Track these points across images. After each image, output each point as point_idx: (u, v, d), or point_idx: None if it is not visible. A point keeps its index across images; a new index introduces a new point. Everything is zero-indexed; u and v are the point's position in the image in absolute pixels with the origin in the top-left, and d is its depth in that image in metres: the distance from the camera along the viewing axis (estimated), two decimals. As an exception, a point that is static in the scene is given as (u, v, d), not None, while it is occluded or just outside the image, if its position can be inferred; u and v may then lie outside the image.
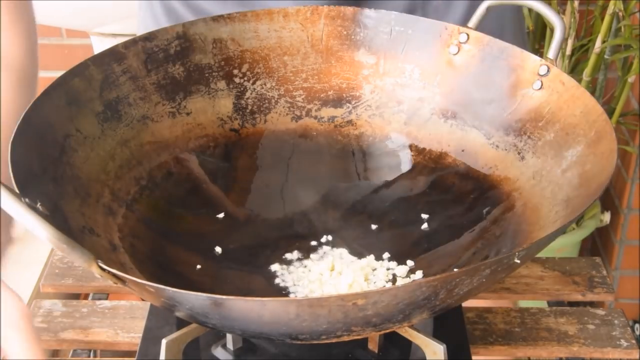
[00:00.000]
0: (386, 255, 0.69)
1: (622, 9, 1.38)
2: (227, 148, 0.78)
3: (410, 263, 0.68)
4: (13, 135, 0.61)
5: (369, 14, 0.78)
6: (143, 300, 0.78)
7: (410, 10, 0.85)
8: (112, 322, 0.77)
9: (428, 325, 0.70)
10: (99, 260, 0.52)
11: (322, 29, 0.79)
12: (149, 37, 0.74)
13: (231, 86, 0.78)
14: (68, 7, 1.39)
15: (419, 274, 0.67)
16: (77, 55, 1.72)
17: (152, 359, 0.68)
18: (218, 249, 0.70)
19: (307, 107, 0.80)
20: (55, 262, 0.84)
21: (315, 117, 0.80)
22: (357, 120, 0.80)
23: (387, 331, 0.61)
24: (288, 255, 0.69)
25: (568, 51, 1.44)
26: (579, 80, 1.43)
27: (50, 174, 0.63)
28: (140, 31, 0.93)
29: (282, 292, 0.66)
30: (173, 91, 0.76)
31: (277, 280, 0.67)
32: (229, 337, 0.68)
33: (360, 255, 0.69)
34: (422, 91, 0.78)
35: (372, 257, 0.69)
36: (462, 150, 0.75)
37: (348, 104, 0.80)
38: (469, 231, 0.70)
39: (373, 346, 0.68)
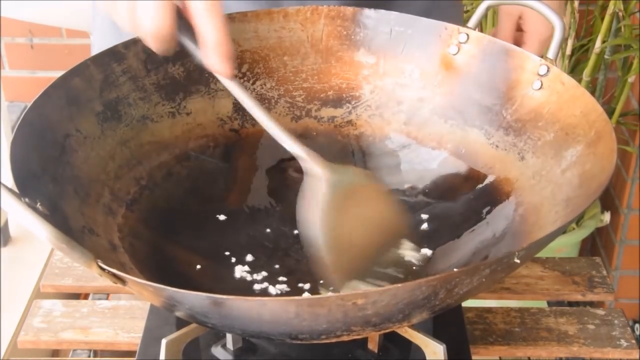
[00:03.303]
0: (386, 255, 0.69)
1: (622, 9, 1.38)
2: (227, 148, 0.78)
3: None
4: (13, 135, 0.61)
5: (369, 14, 0.78)
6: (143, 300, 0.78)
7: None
8: (112, 322, 0.77)
9: (428, 325, 0.70)
10: (99, 260, 0.52)
11: (322, 29, 0.79)
12: (149, 37, 0.74)
13: (231, 86, 0.78)
14: (68, 7, 1.39)
15: (418, 274, 0.67)
16: (77, 55, 1.73)
17: (152, 359, 0.68)
18: (218, 249, 0.70)
19: (307, 107, 0.80)
20: (55, 262, 0.84)
21: (315, 117, 0.80)
22: (357, 121, 0.80)
23: (387, 331, 0.61)
24: (288, 255, 0.69)
25: (568, 51, 1.44)
26: (579, 80, 1.43)
27: (50, 173, 0.63)
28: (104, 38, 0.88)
29: (282, 292, 0.66)
30: (173, 91, 0.76)
31: (276, 281, 0.67)
32: (228, 337, 0.68)
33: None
34: (422, 91, 0.78)
35: (372, 257, 0.69)
36: (462, 151, 0.75)
37: (348, 104, 0.80)
38: (469, 231, 0.70)
39: (373, 346, 0.68)
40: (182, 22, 0.60)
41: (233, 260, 0.69)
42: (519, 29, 0.86)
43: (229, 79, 0.64)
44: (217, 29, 0.59)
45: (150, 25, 0.58)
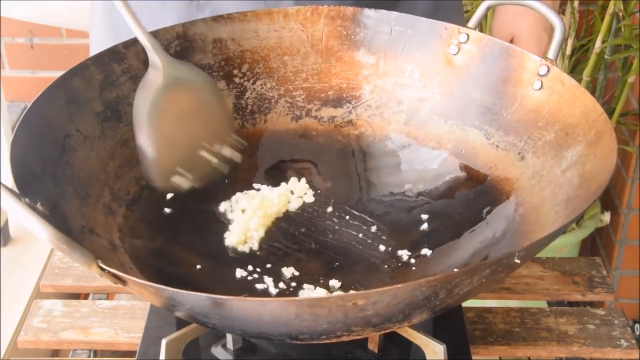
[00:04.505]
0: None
1: (622, 9, 1.38)
2: (227, 148, 0.78)
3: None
4: (13, 135, 0.61)
5: (369, 14, 0.78)
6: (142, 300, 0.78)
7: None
8: (112, 322, 0.77)
9: (428, 325, 0.70)
10: (99, 260, 0.52)
11: (322, 29, 0.79)
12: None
13: (231, 86, 0.78)
14: (68, 7, 1.39)
15: (419, 274, 0.67)
16: (77, 55, 1.72)
17: (152, 359, 0.68)
18: (218, 249, 0.70)
19: (307, 107, 0.80)
20: (55, 262, 0.84)
21: (315, 117, 0.80)
22: (357, 120, 0.80)
23: (387, 331, 0.61)
24: (288, 255, 0.69)
25: (568, 51, 1.44)
26: (579, 80, 1.43)
27: (50, 173, 0.63)
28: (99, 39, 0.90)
29: (282, 292, 0.66)
30: (173, 91, 0.75)
31: (277, 280, 0.67)
32: (228, 337, 0.68)
33: (360, 255, 0.69)
34: (422, 91, 0.78)
35: (372, 257, 0.69)
36: (462, 151, 0.75)
37: (348, 104, 0.80)
38: (469, 231, 0.70)
39: (373, 346, 0.68)
40: None
41: (233, 260, 0.69)
42: None
43: None
44: None
45: None
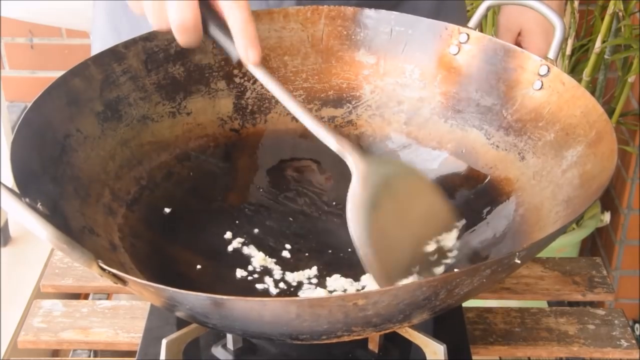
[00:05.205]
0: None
1: (622, 9, 1.38)
2: (227, 148, 0.78)
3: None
4: (13, 135, 0.61)
5: (369, 14, 0.78)
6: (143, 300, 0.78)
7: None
8: (112, 322, 0.77)
9: (428, 325, 0.70)
10: (99, 260, 0.52)
11: (322, 29, 0.79)
12: (149, 37, 0.74)
13: (231, 86, 0.78)
14: (68, 7, 1.39)
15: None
16: (77, 55, 1.73)
17: (152, 359, 0.68)
18: (218, 249, 0.70)
19: (307, 108, 0.80)
20: (55, 262, 0.84)
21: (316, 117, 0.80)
22: (358, 121, 0.80)
23: (388, 331, 0.61)
24: (288, 256, 0.69)
25: (568, 51, 1.44)
26: (579, 80, 1.43)
27: (50, 173, 0.63)
28: (98, 38, 0.90)
29: (282, 292, 0.66)
30: (173, 91, 0.76)
31: (277, 280, 0.67)
32: (229, 337, 0.68)
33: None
34: (422, 91, 0.78)
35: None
36: (462, 151, 0.75)
37: (348, 104, 0.80)
38: (469, 231, 0.70)
39: (373, 346, 0.68)
40: (210, 13, 0.61)
41: (234, 260, 0.69)
42: (519, 45, 0.86)
43: (254, 66, 0.63)
44: (241, 14, 0.60)
45: (175, 17, 0.59)
